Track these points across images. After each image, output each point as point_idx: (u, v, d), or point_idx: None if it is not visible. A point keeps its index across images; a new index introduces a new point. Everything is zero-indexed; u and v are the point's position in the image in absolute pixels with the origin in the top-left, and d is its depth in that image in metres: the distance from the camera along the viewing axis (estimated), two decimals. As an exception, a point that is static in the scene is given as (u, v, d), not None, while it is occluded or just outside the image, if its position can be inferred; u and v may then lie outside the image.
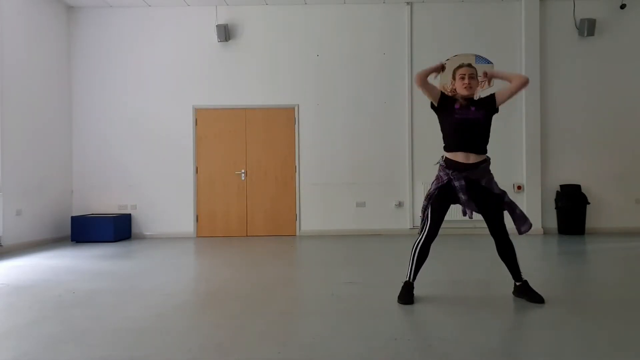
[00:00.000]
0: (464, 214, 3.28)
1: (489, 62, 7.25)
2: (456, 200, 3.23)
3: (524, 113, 7.16)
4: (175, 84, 7.43)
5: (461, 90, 3.22)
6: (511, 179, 7.20)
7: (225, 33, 7.28)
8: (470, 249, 5.68)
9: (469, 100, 3.24)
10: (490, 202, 3.20)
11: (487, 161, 3.25)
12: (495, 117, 3.35)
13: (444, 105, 3.28)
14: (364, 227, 7.35)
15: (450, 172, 3.18)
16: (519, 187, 7.22)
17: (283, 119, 7.46)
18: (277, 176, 7.46)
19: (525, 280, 3.28)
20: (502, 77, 3.38)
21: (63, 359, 2.34)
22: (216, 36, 7.28)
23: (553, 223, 7.21)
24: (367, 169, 7.37)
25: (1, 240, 5.89)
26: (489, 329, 2.72)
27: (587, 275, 4.41)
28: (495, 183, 3.25)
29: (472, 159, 3.16)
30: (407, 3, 7.35)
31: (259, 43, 7.45)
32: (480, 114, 3.20)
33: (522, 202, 7.18)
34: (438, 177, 3.26)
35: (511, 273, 3.31)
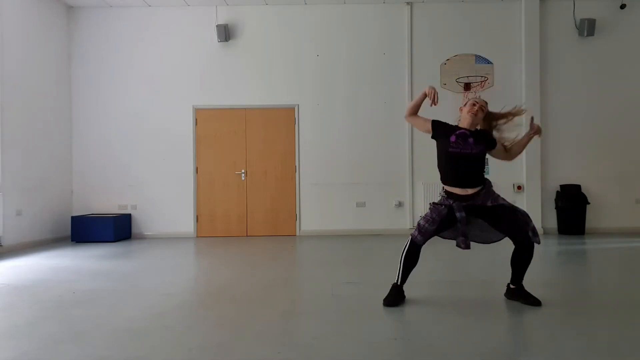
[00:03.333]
0: (458, 244, 3.14)
1: (489, 62, 7.25)
2: (452, 225, 3.14)
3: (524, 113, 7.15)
4: (175, 84, 7.43)
5: (465, 115, 3.17)
6: (511, 179, 7.20)
7: (225, 33, 7.27)
8: (470, 249, 5.67)
9: (469, 130, 3.15)
10: (502, 214, 3.09)
11: (486, 186, 3.15)
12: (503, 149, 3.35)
13: (439, 135, 3.22)
14: (364, 227, 7.34)
15: (451, 202, 3.10)
16: (519, 187, 7.22)
17: (283, 119, 7.46)
18: (277, 176, 7.46)
19: (521, 284, 3.25)
20: (524, 142, 3.38)
21: (63, 359, 2.34)
22: (216, 36, 7.28)
23: (553, 223, 7.21)
24: (367, 169, 7.37)
25: (1, 240, 5.89)
26: (488, 329, 2.72)
27: (586, 276, 4.41)
28: (503, 199, 3.15)
29: (470, 191, 3.08)
30: (407, 3, 7.35)
31: (259, 43, 7.45)
32: (479, 148, 3.11)
33: (522, 202, 7.18)
34: (435, 206, 3.19)
35: (514, 275, 3.22)
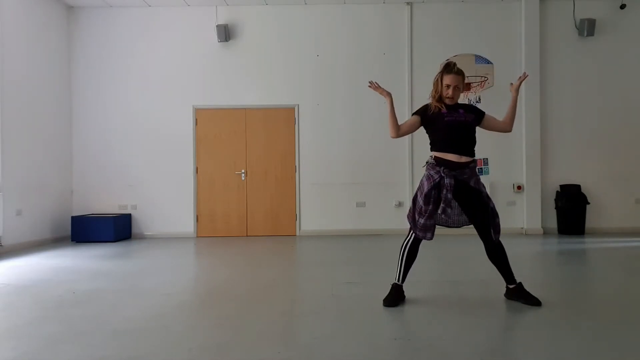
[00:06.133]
0: (440, 214, 3.12)
1: (489, 62, 7.24)
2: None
3: (524, 113, 7.16)
4: (175, 84, 7.43)
5: (444, 99, 3.22)
6: (511, 179, 7.20)
7: (225, 33, 7.27)
8: (470, 249, 5.68)
9: (456, 104, 3.23)
10: (479, 204, 3.14)
11: (475, 161, 3.23)
12: (494, 117, 3.34)
13: (429, 117, 3.25)
14: (364, 227, 7.35)
15: (441, 169, 3.11)
16: (519, 187, 7.21)
17: (283, 119, 7.46)
18: (277, 176, 7.46)
19: (520, 283, 3.24)
20: (511, 105, 3.25)
21: (63, 359, 2.34)
22: (216, 36, 7.28)
23: (553, 223, 7.21)
24: (367, 169, 7.37)
25: (1, 240, 5.89)
26: (488, 329, 2.72)
27: (586, 276, 4.41)
28: (483, 185, 3.21)
29: (464, 159, 3.13)
30: (407, 3, 7.35)
31: (259, 43, 7.45)
32: (470, 117, 3.20)
33: (522, 202, 7.19)
34: (429, 177, 3.16)
35: (503, 276, 3.25)
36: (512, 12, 7.33)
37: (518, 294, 3.22)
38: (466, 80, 6.99)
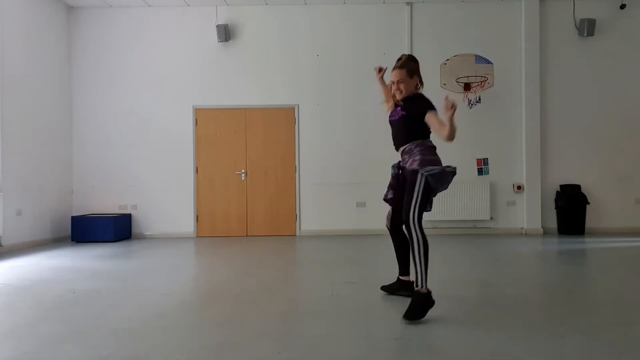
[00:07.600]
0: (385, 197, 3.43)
1: (489, 62, 7.24)
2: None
3: (524, 113, 7.16)
4: (175, 84, 7.44)
5: (395, 95, 3.30)
6: (511, 179, 7.20)
7: (225, 33, 7.28)
8: (470, 249, 5.68)
9: (401, 102, 3.26)
10: (404, 184, 3.15)
11: (413, 144, 3.12)
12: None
13: None
14: (364, 227, 7.35)
15: (394, 164, 3.41)
16: (519, 187, 7.22)
17: (283, 119, 7.46)
18: (277, 176, 7.46)
19: (413, 282, 3.09)
20: (447, 121, 2.85)
21: (63, 359, 2.34)
22: (216, 36, 7.29)
23: (553, 223, 7.22)
24: (367, 168, 7.37)
25: (1, 240, 5.89)
26: (488, 329, 2.72)
27: (586, 276, 4.41)
28: (418, 161, 3.02)
29: (400, 149, 3.26)
30: (407, 3, 7.36)
31: (259, 43, 7.45)
32: (401, 114, 3.19)
33: (522, 202, 7.19)
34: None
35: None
36: (512, 12, 7.34)
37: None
38: (466, 80, 7.07)
